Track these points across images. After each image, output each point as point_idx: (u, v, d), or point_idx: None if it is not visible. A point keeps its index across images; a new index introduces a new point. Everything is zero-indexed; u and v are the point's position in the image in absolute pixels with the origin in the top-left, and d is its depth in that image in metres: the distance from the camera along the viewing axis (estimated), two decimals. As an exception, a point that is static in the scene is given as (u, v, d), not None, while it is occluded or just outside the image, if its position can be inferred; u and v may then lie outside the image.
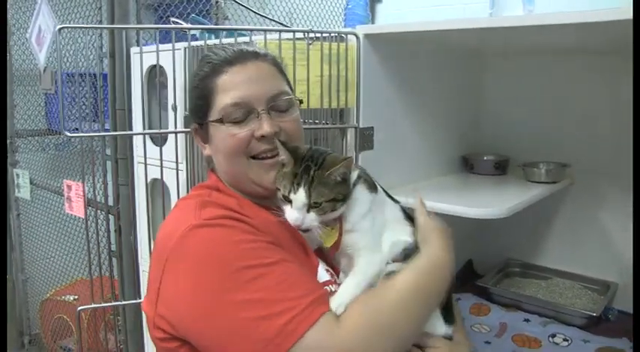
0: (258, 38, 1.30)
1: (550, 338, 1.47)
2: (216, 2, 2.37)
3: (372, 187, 0.97)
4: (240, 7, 2.28)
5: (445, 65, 1.69)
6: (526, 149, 1.77)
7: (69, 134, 1.25)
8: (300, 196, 0.86)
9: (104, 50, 2.10)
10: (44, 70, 2.44)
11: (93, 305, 1.46)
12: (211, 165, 1.04)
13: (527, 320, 1.55)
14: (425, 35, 1.30)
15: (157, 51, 1.33)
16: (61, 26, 1.17)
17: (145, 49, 1.87)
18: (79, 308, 1.41)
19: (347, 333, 0.78)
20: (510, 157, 1.77)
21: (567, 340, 1.46)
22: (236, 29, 1.38)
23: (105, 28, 1.87)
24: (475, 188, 1.64)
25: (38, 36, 2.40)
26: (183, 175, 1.58)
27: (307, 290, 0.81)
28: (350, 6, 1.59)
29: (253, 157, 0.95)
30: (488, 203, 1.37)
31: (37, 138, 2.86)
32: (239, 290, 0.78)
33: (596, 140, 1.68)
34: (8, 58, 2.66)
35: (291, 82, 1.27)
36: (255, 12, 2.25)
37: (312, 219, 0.87)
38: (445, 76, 1.70)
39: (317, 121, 1.36)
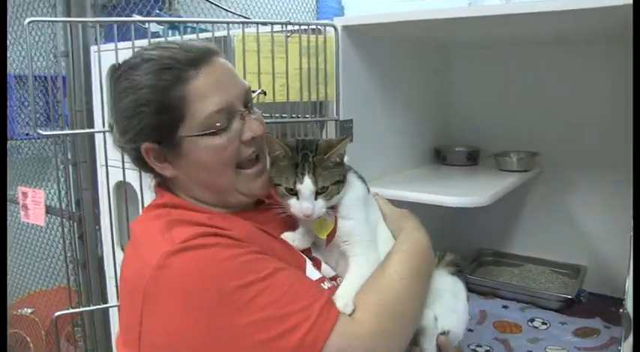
0: (235, 32, 1.27)
1: (529, 323, 1.50)
2: (170, 3, 2.32)
3: (361, 178, 0.98)
4: (194, 1, 2.22)
5: (417, 57, 1.71)
6: (496, 139, 1.81)
7: (42, 132, 1.17)
8: (307, 184, 0.84)
9: (60, 50, 2.02)
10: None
11: (70, 310, 1.38)
12: (160, 181, 0.93)
13: (505, 307, 1.58)
14: (403, 26, 1.29)
15: (116, 49, 1.24)
16: (30, 19, 1.10)
17: (105, 47, 1.80)
18: (57, 314, 1.33)
19: (368, 329, 0.77)
20: (481, 148, 1.80)
21: (546, 323, 1.49)
22: (208, 22, 1.35)
23: (76, 21, 1.78)
24: (449, 178, 1.66)
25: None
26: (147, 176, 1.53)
27: (312, 297, 0.76)
28: (323, -3, 1.58)
29: (239, 166, 0.89)
30: (466, 192, 1.38)
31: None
32: (242, 312, 0.71)
33: (563, 129, 1.73)
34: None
35: (270, 76, 1.26)
36: (212, 3, 2.18)
37: (320, 206, 0.85)
38: (418, 68, 1.72)
39: (296, 115, 1.34)
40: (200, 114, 0.83)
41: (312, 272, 0.90)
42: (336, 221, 0.90)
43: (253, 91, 0.96)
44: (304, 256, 0.92)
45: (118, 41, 1.26)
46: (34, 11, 2.11)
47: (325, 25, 1.32)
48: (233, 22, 1.26)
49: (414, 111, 1.69)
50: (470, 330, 1.47)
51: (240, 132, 0.87)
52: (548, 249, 1.82)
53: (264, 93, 0.98)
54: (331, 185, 0.86)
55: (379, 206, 1.03)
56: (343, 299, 0.80)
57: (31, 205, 2.11)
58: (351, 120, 1.39)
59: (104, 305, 1.78)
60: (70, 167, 2.06)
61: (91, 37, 2.03)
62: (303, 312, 0.73)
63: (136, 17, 1.46)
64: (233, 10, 1.84)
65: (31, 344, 2.56)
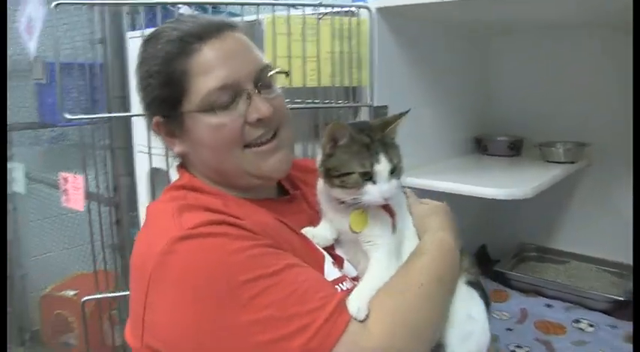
0: (266, 15, 1.23)
1: (574, 324, 1.41)
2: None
3: None
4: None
5: (460, 41, 1.63)
6: (541, 129, 1.71)
7: (69, 116, 1.16)
8: (384, 164, 0.77)
9: (96, 37, 2.02)
10: (35, 60, 2.36)
11: (97, 296, 1.39)
12: (182, 161, 0.90)
13: (548, 306, 1.50)
14: (440, 7, 1.22)
15: (143, 35, 1.23)
16: (57, 2, 1.09)
17: (136, 33, 1.80)
18: (84, 299, 1.34)
19: (378, 343, 0.69)
20: (525, 137, 1.70)
21: (593, 325, 1.40)
22: (236, 4, 1.31)
23: (102, 3, 1.78)
24: (490, 169, 1.58)
25: (28, 25, 2.32)
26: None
27: (323, 299, 0.69)
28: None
29: (247, 146, 0.83)
30: (507, 184, 1.30)
31: (31, 132, 2.78)
32: (244, 310, 0.66)
33: (611, 119, 1.62)
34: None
35: (300, 60, 1.21)
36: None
37: (395, 186, 0.79)
38: (459, 53, 1.64)
39: (329, 100, 1.29)
40: (201, 90, 0.79)
41: (331, 271, 0.83)
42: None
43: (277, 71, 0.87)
44: (325, 253, 0.86)
45: (155, 27, 1.24)
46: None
47: (359, 7, 1.26)
48: (262, 4, 1.21)
49: (453, 98, 1.61)
50: (509, 330, 1.40)
51: (246, 113, 0.81)
52: (596, 245, 1.71)
53: (286, 74, 0.91)
54: (399, 163, 0.80)
55: (408, 204, 0.93)
56: (357, 302, 0.72)
57: (71, 190, 2.14)
58: (386, 106, 1.33)
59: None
60: (109, 153, 2.08)
61: (127, 23, 2.04)
62: (310, 315, 0.67)
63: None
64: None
65: (74, 325, 2.62)
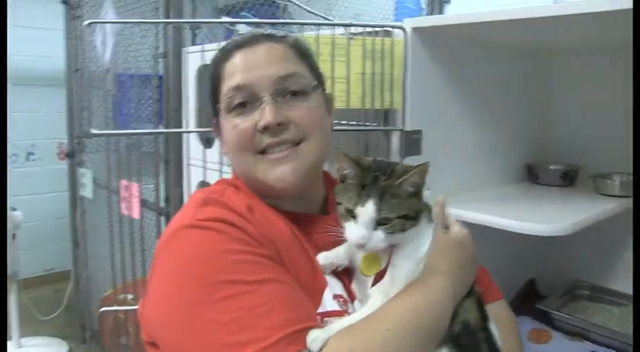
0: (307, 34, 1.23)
1: (620, 375, 1.29)
2: (284, 6, 2.33)
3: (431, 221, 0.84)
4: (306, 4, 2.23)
5: (507, 63, 1.54)
6: (599, 158, 1.58)
7: (95, 131, 1.21)
8: (368, 209, 0.74)
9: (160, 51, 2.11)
10: (107, 71, 2.49)
11: (115, 308, 1.43)
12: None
13: (594, 353, 1.38)
14: (481, 28, 1.17)
15: (203, 50, 1.28)
16: (90, 21, 1.15)
17: (193, 48, 1.86)
18: (101, 310, 1.39)
19: None
20: (581, 167, 1.59)
21: (641, 378, 1.27)
22: (274, 23, 1.32)
23: (133, 22, 1.86)
24: (537, 200, 1.48)
25: (103, 39, 2.46)
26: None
27: (287, 321, 0.68)
28: (401, -2, 1.49)
29: (262, 153, 0.85)
30: (549, 218, 1.21)
31: (104, 139, 2.93)
32: (212, 306, 0.69)
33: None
34: (81, 62, 2.75)
35: (330, 80, 1.19)
36: (315, 14, 2.18)
37: (379, 238, 0.75)
38: (507, 76, 1.55)
39: (358, 123, 1.26)
40: (224, 90, 0.86)
41: (328, 302, 0.80)
42: (389, 259, 0.79)
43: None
44: (328, 283, 0.83)
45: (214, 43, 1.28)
46: (140, 15, 2.22)
47: (393, 27, 1.22)
48: (292, 23, 1.21)
49: (502, 122, 1.53)
50: (545, 375, 1.30)
51: (257, 119, 0.83)
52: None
53: (322, 88, 0.91)
54: (396, 218, 0.74)
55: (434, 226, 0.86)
56: (318, 334, 0.69)
57: (130, 198, 2.23)
58: (420, 131, 1.28)
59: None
60: (163, 164, 2.15)
61: (187, 39, 2.11)
62: (263, 331, 0.67)
63: (209, 19, 1.48)
64: (322, 14, 1.80)
65: (130, 328, 2.71)
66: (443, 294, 0.78)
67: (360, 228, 0.75)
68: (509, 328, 0.94)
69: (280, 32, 0.94)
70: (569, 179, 1.56)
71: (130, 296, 2.76)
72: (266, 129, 0.82)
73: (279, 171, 0.84)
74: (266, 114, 0.82)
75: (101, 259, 2.90)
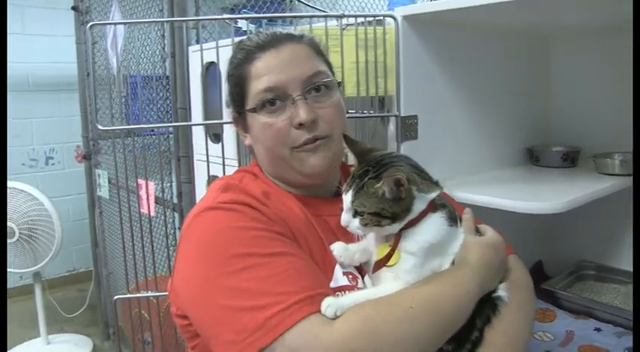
0: (303, 27, 1.26)
1: None
2: (290, 2, 2.37)
3: (453, 220, 0.86)
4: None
5: (502, 47, 1.55)
6: (600, 139, 1.59)
7: (101, 127, 1.27)
8: (347, 199, 0.82)
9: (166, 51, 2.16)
10: (117, 73, 2.54)
11: (127, 296, 1.48)
12: (253, 152, 1.02)
13: (598, 330, 1.39)
14: (469, 12, 1.18)
15: (201, 49, 1.32)
16: (92, 23, 1.20)
17: (197, 47, 1.90)
18: (115, 298, 1.45)
19: (337, 339, 0.70)
20: (582, 148, 1.59)
21: (646, 353, 1.28)
22: (271, 17, 1.35)
23: (134, 22, 1.91)
24: (537, 181, 1.49)
25: (112, 42, 2.51)
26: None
27: (301, 288, 0.74)
28: (393, -11, 1.51)
29: (295, 147, 0.91)
30: (547, 197, 1.23)
31: (117, 140, 3.00)
32: (231, 276, 0.76)
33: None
34: (92, 65, 2.82)
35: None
36: (318, 9, 2.21)
37: (355, 225, 0.81)
38: (503, 60, 1.56)
39: (354, 110, 1.29)
40: (252, 92, 0.91)
41: (339, 278, 0.85)
42: (394, 247, 0.82)
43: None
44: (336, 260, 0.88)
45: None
46: (146, 15, 2.27)
47: (384, 16, 1.25)
48: (289, 17, 1.24)
49: (497, 107, 1.55)
50: (548, 352, 1.32)
51: (291, 117, 0.89)
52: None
53: (339, 84, 0.96)
54: (368, 214, 0.79)
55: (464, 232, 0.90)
56: (332, 301, 0.73)
57: (144, 196, 2.29)
58: (415, 116, 1.31)
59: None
60: (175, 162, 2.21)
61: (192, 38, 2.16)
62: (279, 296, 0.73)
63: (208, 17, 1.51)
64: (322, 8, 1.84)
65: (151, 324, 2.78)
66: (468, 287, 0.82)
67: (344, 212, 0.82)
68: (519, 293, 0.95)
69: (285, 29, 0.99)
70: (570, 160, 1.57)
71: (150, 293, 2.84)
72: (301, 125, 0.89)
73: (314, 161, 0.91)
74: (300, 112, 0.88)
75: (119, 257, 2.97)
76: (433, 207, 0.82)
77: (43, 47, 3.80)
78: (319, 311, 0.73)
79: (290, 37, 0.94)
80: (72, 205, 3.88)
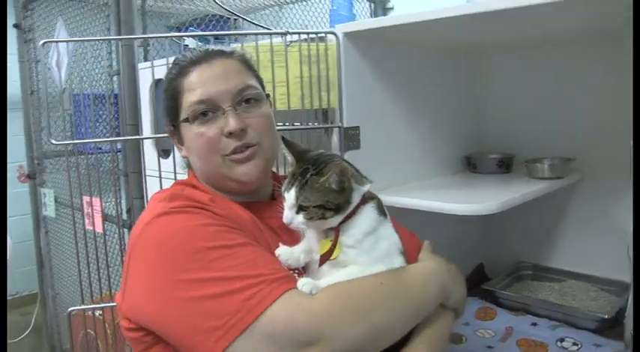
0: (248, 44, 1.31)
1: (558, 343, 1.38)
2: (235, 21, 2.42)
3: (383, 213, 0.93)
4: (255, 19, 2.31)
5: (439, 62, 1.65)
6: (532, 146, 1.71)
7: (55, 142, 1.28)
8: (290, 196, 0.86)
9: (114, 68, 2.17)
10: (63, 91, 2.52)
11: (82, 307, 1.48)
12: (189, 164, 1.05)
13: (534, 324, 1.48)
14: (406, 29, 1.26)
15: (152, 66, 1.35)
16: (44, 41, 1.22)
17: (145, 65, 1.92)
18: (70, 309, 1.45)
19: (319, 306, 0.77)
20: (515, 155, 1.70)
21: (577, 344, 1.37)
22: (218, 34, 1.39)
23: (84, 40, 1.93)
24: (473, 186, 1.58)
25: (58, 59, 2.49)
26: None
27: (274, 270, 0.80)
28: (334, 7, 1.58)
29: (226, 155, 0.96)
30: (480, 200, 1.31)
31: (63, 159, 2.95)
32: (201, 269, 0.78)
33: (604, 133, 1.60)
34: (37, 84, 2.78)
35: (271, 84, 1.27)
36: (262, 26, 2.27)
37: (299, 220, 0.85)
38: (441, 74, 1.66)
39: (299, 123, 1.35)
40: (186, 103, 0.96)
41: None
42: (335, 241, 0.88)
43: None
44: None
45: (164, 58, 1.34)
46: (93, 32, 2.27)
47: (326, 33, 1.32)
48: (236, 34, 1.29)
49: (435, 118, 1.64)
50: (489, 347, 1.39)
51: (222, 126, 0.94)
52: (594, 263, 1.68)
53: (268, 96, 1.02)
54: (312, 207, 0.84)
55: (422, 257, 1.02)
56: (306, 280, 0.80)
57: (92, 213, 2.27)
58: (357, 127, 1.37)
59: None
60: (123, 178, 2.20)
61: (140, 56, 2.17)
62: (255, 278, 0.77)
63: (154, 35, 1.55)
64: (267, 25, 1.90)
65: (99, 343, 2.72)
66: (432, 271, 0.94)
67: (286, 209, 0.87)
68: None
69: (226, 46, 1.04)
70: (505, 166, 1.67)
71: (97, 313, 2.78)
72: (231, 134, 0.94)
73: (245, 169, 0.96)
74: (230, 122, 0.93)
75: (66, 278, 2.91)
76: (364, 199, 0.89)
77: (-17, 65, 3.70)
78: (293, 286, 0.79)
79: (221, 53, 0.99)
80: (14, 226, 3.77)
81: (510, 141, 1.77)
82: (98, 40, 2.17)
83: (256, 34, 1.29)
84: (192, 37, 1.61)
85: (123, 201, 2.23)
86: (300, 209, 0.85)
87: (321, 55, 1.32)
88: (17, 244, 3.74)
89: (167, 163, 1.70)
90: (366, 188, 0.90)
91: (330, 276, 0.86)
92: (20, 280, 3.80)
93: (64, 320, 2.91)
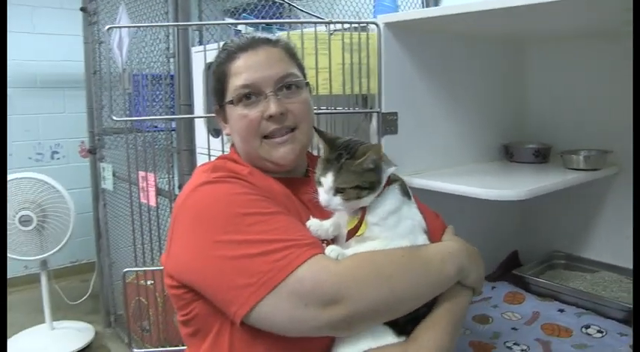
0: (295, 32, 1.40)
1: (583, 329, 1.42)
2: (289, 6, 2.50)
3: (406, 194, 1.00)
4: (307, 7, 2.39)
5: (479, 52, 1.68)
6: (571, 137, 1.72)
7: (115, 118, 1.40)
8: (328, 180, 0.93)
9: (170, 51, 2.30)
10: (124, 71, 2.67)
11: (134, 268, 1.60)
12: (232, 141, 1.14)
13: (561, 311, 1.51)
14: (448, 21, 1.31)
15: (205, 50, 1.45)
16: (109, 26, 1.34)
17: (199, 48, 2.03)
18: (124, 270, 1.59)
19: (343, 269, 0.85)
20: (553, 145, 1.72)
21: (602, 332, 1.40)
22: (267, 23, 1.48)
23: (146, 26, 2.04)
24: (505, 174, 1.61)
25: (119, 41, 2.64)
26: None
27: (304, 236, 0.89)
28: (378, -3, 1.64)
29: (266, 137, 1.04)
30: (510, 186, 1.35)
31: (122, 136, 3.13)
32: (238, 232, 0.86)
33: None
34: (99, 64, 2.95)
35: (314, 70, 1.36)
36: (311, 14, 2.34)
37: (337, 202, 0.92)
38: (481, 64, 1.69)
39: (340, 107, 1.42)
40: (231, 87, 1.04)
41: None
42: (362, 217, 0.95)
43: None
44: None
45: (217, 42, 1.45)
46: (151, 19, 2.41)
47: (368, 23, 1.38)
48: (282, 22, 1.38)
49: (474, 106, 1.67)
50: (514, 329, 1.45)
51: (263, 110, 1.02)
52: (629, 256, 1.68)
53: (307, 84, 1.10)
54: (349, 188, 0.91)
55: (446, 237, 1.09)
56: (334, 247, 0.89)
57: (147, 188, 2.42)
58: (395, 113, 1.44)
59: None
60: (176, 155, 2.34)
61: (195, 39, 2.30)
62: (287, 242, 0.85)
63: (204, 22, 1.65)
64: (318, 13, 1.98)
65: (150, 311, 2.90)
66: (455, 256, 1.00)
67: (323, 193, 0.94)
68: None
69: (274, 33, 1.12)
70: (541, 156, 1.70)
71: (149, 282, 2.96)
72: (271, 117, 1.02)
73: (282, 152, 1.04)
74: (271, 106, 1.01)
75: (122, 248, 3.10)
76: (389, 181, 0.96)
77: (51, 46, 3.93)
78: (320, 251, 0.87)
79: (267, 41, 1.06)
80: (75, 198, 4.00)
81: (549, 132, 1.79)
82: (156, 26, 2.30)
83: (302, 23, 1.37)
84: (244, 24, 1.71)
85: (175, 177, 2.37)
86: (337, 191, 0.92)
87: (363, 43, 1.39)
88: (78, 215, 3.99)
89: (216, 142, 1.82)
90: (392, 170, 0.97)
91: (355, 247, 0.94)
92: (80, 249, 4.05)
93: (119, 287, 3.12)
